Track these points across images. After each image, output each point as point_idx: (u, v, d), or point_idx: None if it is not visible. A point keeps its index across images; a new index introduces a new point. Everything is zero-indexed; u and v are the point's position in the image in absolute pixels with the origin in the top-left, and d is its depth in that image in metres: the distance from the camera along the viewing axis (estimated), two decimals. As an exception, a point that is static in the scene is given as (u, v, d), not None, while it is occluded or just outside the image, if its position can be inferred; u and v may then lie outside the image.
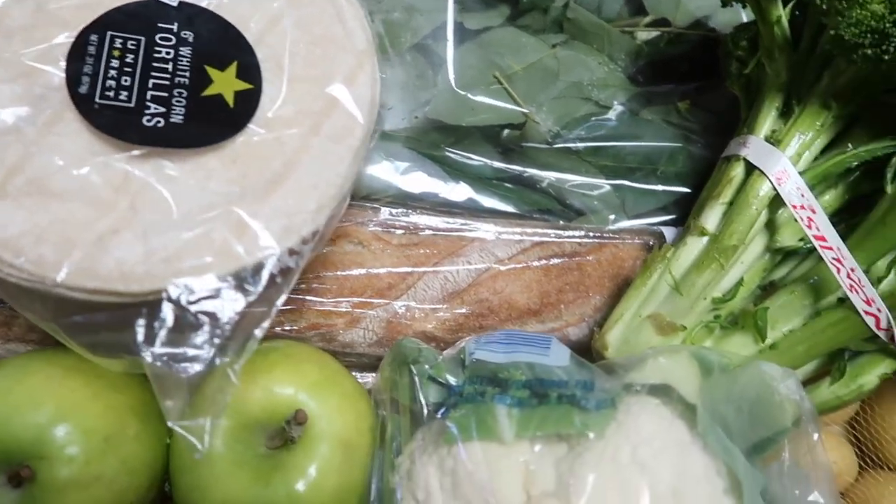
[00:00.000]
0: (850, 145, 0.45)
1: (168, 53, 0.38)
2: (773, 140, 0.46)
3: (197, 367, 0.34)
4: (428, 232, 0.51)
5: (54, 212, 0.34)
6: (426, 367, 0.40)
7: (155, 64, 0.38)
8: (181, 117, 0.37)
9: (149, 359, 0.33)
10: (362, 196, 0.52)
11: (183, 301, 0.33)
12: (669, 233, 0.53)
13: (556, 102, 0.55)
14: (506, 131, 0.55)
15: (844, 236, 0.45)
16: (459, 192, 0.53)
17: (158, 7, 0.39)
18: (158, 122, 0.36)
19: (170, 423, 0.33)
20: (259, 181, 0.37)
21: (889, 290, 0.44)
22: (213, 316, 0.33)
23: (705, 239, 0.47)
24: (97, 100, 0.36)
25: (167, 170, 0.36)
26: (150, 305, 0.33)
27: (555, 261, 0.51)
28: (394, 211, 0.51)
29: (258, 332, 0.34)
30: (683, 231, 0.49)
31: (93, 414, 0.39)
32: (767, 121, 0.47)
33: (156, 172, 0.36)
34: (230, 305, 0.34)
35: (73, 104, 0.36)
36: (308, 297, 0.47)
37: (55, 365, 0.40)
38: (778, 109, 0.47)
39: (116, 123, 0.36)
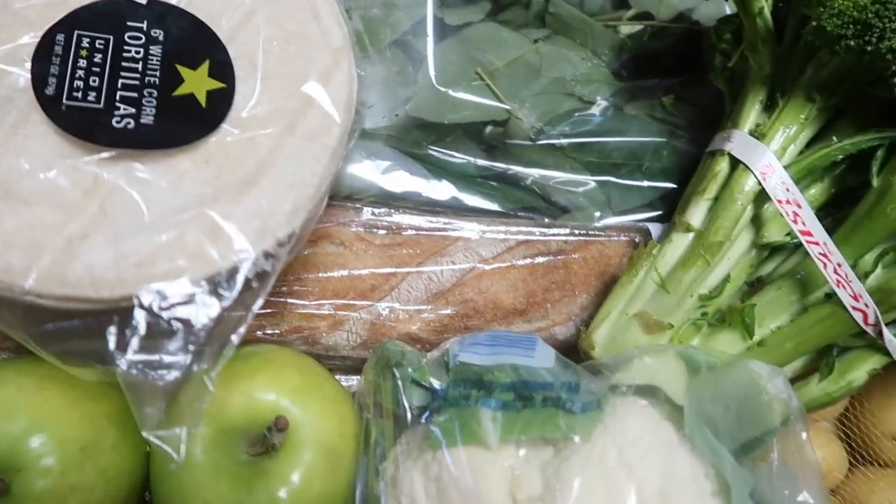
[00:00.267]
0: (834, 138, 0.44)
1: (138, 52, 0.37)
2: (758, 134, 0.45)
3: (171, 375, 0.33)
4: (411, 232, 0.50)
5: (22, 216, 0.33)
6: (409, 370, 0.39)
7: (124, 63, 0.37)
8: (152, 118, 0.36)
9: (122, 367, 0.32)
10: (344, 196, 0.51)
11: (155, 307, 0.32)
12: (655, 229, 0.53)
13: (540, 98, 0.54)
14: (489, 128, 0.54)
15: (831, 231, 0.44)
16: (442, 190, 0.52)
17: (127, 5, 0.38)
18: (128, 123, 0.35)
19: (144, 433, 0.32)
20: (233, 182, 0.36)
21: (876, 284, 0.43)
22: (187, 322, 0.32)
23: (691, 235, 0.46)
24: (64, 101, 0.35)
25: (138, 172, 0.35)
26: (121, 312, 0.33)
27: (540, 259, 0.51)
28: (376, 211, 0.50)
29: (234, 338, 0.34)
30: (669, 228, 0.48)
31: (69, 424, 0.38)
32: (751, 114, 0.46)
33: (126, 175, 0.35)
34: (204, 311, 0.33)
35: (40, 106, 0.35)
36: (290, 300, 0.46)
37: (28, 374, 0.39)
38: (762, 103, 0.47)
39: (85, 125, 0.35)
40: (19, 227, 0.33)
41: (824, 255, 0.43)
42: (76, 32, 0.37)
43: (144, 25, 0.38)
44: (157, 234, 0.34)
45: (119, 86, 0.36)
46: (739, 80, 0.50)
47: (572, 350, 0.49)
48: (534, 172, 0.54)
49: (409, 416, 0.39)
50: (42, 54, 0.36)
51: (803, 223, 0.43)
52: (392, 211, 0.51)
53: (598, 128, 0.55)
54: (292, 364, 0.43)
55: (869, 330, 0.42)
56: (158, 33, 0.38)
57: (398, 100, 0.52)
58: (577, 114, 0.54)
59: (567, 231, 0.52)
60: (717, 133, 0.49)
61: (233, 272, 0.34)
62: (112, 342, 0.32)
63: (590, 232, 0.52)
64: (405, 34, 0.53)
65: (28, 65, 0.35)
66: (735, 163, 0.45)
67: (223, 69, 0.38)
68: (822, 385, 0.45)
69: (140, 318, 0.32)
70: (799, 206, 0.43)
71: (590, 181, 0.54)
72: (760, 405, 0.37)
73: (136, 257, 0.33)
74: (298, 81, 0.39)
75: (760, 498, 0.35)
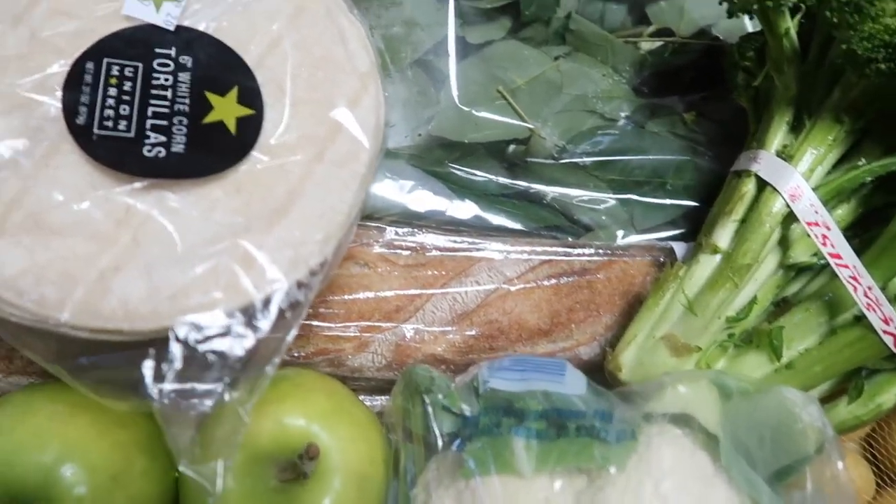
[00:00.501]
0: (863, 160, 0.44)
1: (167, 80, 0.37)
2: (785, 155, 0.45)
3: (206, 407, 0.32)
4: (435, 252, 0.50)
5: (54, 249, 0.33)
6: (439, 396, 0.39)
7: (153, 91, 0.36)
8: (182, 146, 0.36)
9: (157, 398, 0.32)
10: (366, 215, 0.51)
11: (191, 340, 0.32)
12: (679, 248, 0.52)
13: (561, 116, 0.54)
14: (511, 146, 0.54)
15: (859, 252, 0.44)
16: (465, 209, 0.52)
17: (155, 32, 0.38)
18: (159, 151, 0.35)
19: (181, 468, 0.32)
20: (264, 211, 0.36)
21: (906, 307, 0.43)
22: (222, 354, 0.32)
23: (718, 257, 0.46)
24: (95, 130, 0.35)
25: (170, 202, 0.35)
26: (157, 344, 0.32)
27: (564, 279, 0.51)
28: (399, 231, 0.50)
29: (269, 369, 0.33)
30: (695, 248, 0.48)
31: (99, 452, 0.38)
32: (778, 135, 0.46)
33: (158, 204, 0.35)
34: (239, 342, 0.32)
35: (71, 135, 0.34)
36: (315, 323, 0.46)
37: (59, 401, 0.38)
38: (788, 123, 0.46)
39: (116, 155, 0.35)
40: (52, 259, 0.33)
41: (854, 279, 0.42)
42: (105, 60, 0.36)
43: (173, 52, 0.38)
44: (190, 266, 0.33)
45: (149, 114, 0.36)
46: (764, 99, 0.50)
47: (597, 370, 0.49)
48: (556, 190, 0.53)
49: (440, 442, 0.39)
50: (72, 83, 0.35)
51: (832, 246, 0.43)
52: (415, 231, 0.50)
53: (620, 145, 0.54)
54: (321, 388, 0.43)
55: (900, 353, 0.42)
56: (187, 60, 0.38)
57: (420, 119, 0.52)
58: (599, 132, 0.54)
59: (590, 250, 0.52)
60: (743, 152, 0.49)
61: (266, 303, 0.33)
62: (148, 375, 0.31)
63: (613, 251, 0.52)
64: (426, 53, 0.53)
65: (59, 94, 0.35)
66: (762, 184, 0.45)
67: (252, 95, 0.38)
68: (850, 408, 0.45)
69: (176, 350, 0.31)
70: (828, 229, 0.43)
71: (612, 199, 0.54)
72: (795, 433, 0.37)
73: (169, 289, 0.33)
74: (327, 107, 0.39)
75: (795, 527, 0.35)
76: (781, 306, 0.48)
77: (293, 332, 0.34)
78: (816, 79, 0.46)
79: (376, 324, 0.47)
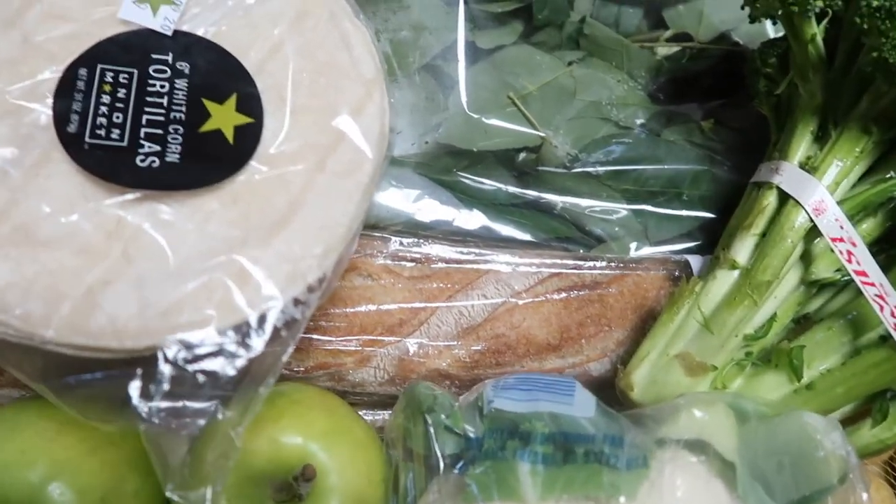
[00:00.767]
0: (892, 173, 0.42)
1: (163, 87, 0.36)
2: (809, 167, 0.43)
3: (195, 427, 0.31)
4: (441, 264, 0.48)
5: (42, 262, 0.32)
6: (442, 416, 0.38)
7: (149, 99, 0.35)
8: (177, 156, 0.34)
9: (144, 419, 0.30)
10: (371, 225, 0.49)
11: (180, 360, 0.30)
12: (695, 261, 0.50)
13: (574, 123, 0.52)
14: (521, 155, 0.52)
15: (886, 268, 0.42)
16: (473, 219, 0.50)
17: (152, 37, 0.37)
18: (153, 161, 0.34)
19: (168, 493, 0.30)
20: (262, 223, 0.34)
21: (935, 327, 0.41)
22: (213, 374, 0.31)
23: (736, 273, 0.44)
24: (87, 139, 0.33)
25: (163, 214, 0.33)
26: (145, 362, 0.31)
27: (574, 292, 0.49)
28: (405, 241, 0.49)
29: (262, 390, 0.32)
30: (712, 263, 0.46)
31: (89, 471, 0.36)
32: (802, 146, 0.44)
33: (150, 217, 0.33)
34: (232, 363, 0.31)
35: (62, 144, 0.33)
36: (315, 336, 0.45)
37: (48, 418, 0.37)
38: (813, 133, 0.44)
39: (108, 165, 0.33)
40: (39, 273, 0.31)
41: (881, 297, 0.40)
42: (99, 66, 0.35)
43: (170, 58, 0.37)
44: (182, 281, 0.32)
45: (143, 122, 0.35)
46: (786, 107, 0.47)
47: (608, 387, 0.47)
48: (568, 200, 0.52)
49: (441, 465, 0.37)
50: (64, 90, 0.34)
51: (858, 262, 0.41)
52: (421, 241, 0.49)
53: (635, 154, 0.52)
54: (319, 406, 0.41)
55: (928, 376, 0.40)
56: (184, 66, 0.37)
57: (428, 126, 0.51)
58: (613, 140, 0.52)
59: (602, 263, 0.50)
60: (763, 163, 0.47)
61: (261, 321, 0.32)
62: (135, 396, 0.30)
63: (626, 264, 0.50)
64: (435, 58, 0.51)
65: (49, 101, 0.34)
66: (784, 197, 0.43)
67: (251, 103, 0.37)
68: (874, 431, 0.43)
69: (164, 370, 0.30)
70: (854, 245, 0.41)
71: (626, 210, 0.52)
72: (816, 461, 0.35)
73: (160, 305, 0.31)
74: (329, 115, 0.38)
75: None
76: (802, 323, 0.46)
77: (289, 351, 0.33)
78: (843, 87, 0.44)
79: (379, 338, 0.45)
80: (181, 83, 0.36)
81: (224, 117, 0.36)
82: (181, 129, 0.35)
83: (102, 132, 0.34)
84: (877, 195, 0.42)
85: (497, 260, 0.49)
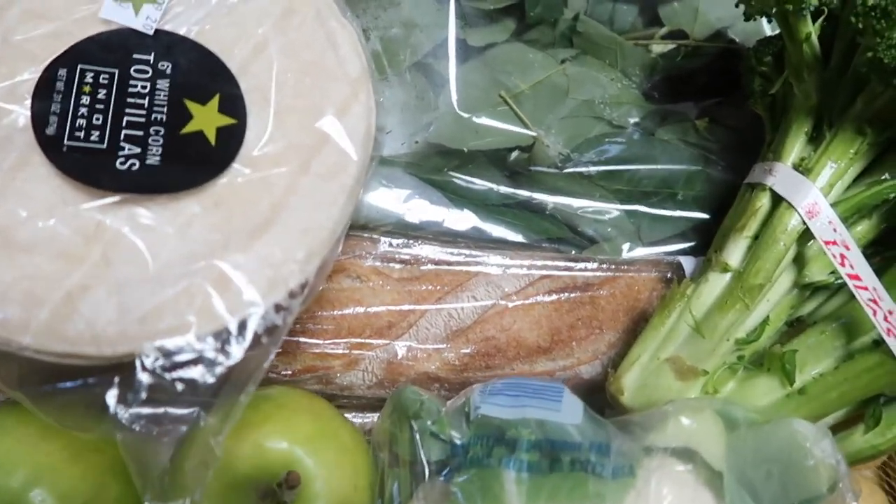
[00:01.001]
0: (886, 175, 0.41)
1: (144, 87, 0.35)
2: (803, 169, 0.42)
3: (174, 435, 0.31)
4: (430, 265, 0.47)
5: (20, 266, 0.31)
6: (428, 422, 0.37)
7: (129, 99, 0.35)
8: (158, 158, 0.34)
9: (123, 427, 0.30)
10: (360, 225, 0.49)
11: (158, 367, 0.30)
12: (688, 263, 0.50)
13: (566, 122, 0.52)
14: (513, 154, 0.51)
15: (880, 271, 0.41)
16: (464, 220, 0.50)
17: (133, 36, 0.36)
18: (133, 164, 0.33)
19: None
20: (244, 227, 0.34)
21: (929, 332, 0.40)
22: (191, 382, 0.30)
23: (728, 276, 0.43)
24: (66, 142, 0.33)
25: (143, 218, 0.33)
26: (123, 370, 0.31)
27: (566, 294, 0.48)
28: (394, 242, 0.48)
29: (243, 398, 0.32)
30: (704, 265, 0.46)
31: (71, 477, 0.36)
32: (796, 147, 0.43)
33: (130, 221, 0.33)
34: (211, 370, 0.31)
35: (40, 147, 0.33)
36: (303, 339, 0.44)
37: (30, 424, 0.37)
38: (807, 134, 0.44)
39: (87, 168, 0.33)
40: (17, 278, 0.31)
41: (874, 301, 0.40)
42: (79, 66, 0.35)
43: (152, 58, 0.36)
44: (162, 287, 0.32)
45: (124, 124, 0.34)
46: (781, 107, 0.47)
47: (599, 389, 0.47)
48: (560, 200, 0.51)
49: (426, 471, 0.37)
50: (43, 91, 0.34)
51: (851, 266, 0.40)
52: (411, 242, 0.48)
53: (628, 154, 0.52)
54: (305, 410, 0.41)
55: (921, 382, 0.40)
56: (166, 66, 0.36)
57: (418, 125, 0.50)
58: (606, 139, 0.51)
59: (594, 265, 0.49)
60: (757, 164, 0.46)
61: (242, 327, 0.32)
62: (112, 403, 0.30)
63: (618, 265, 0.50)
64: (426, 56, 0.50)
65: (28, 102, 0.33)
66: (777, 199, 0.43)
67: (234, 104, 0.36)
68: (867, 437, 0.42)
69: (142, 378, 0.30)
70: (847, 248, 0.41)
71: (618, 210, 0.51)
72: (806, 469, 0.34)
73: (139, 311, 0.31)
74: (314, 116, 0.37)
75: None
76: (795, 326, 0.45)
77: (270, 358, 0.32)
78: (839, 87, 0.43)
79: (367, 341, 0.45)
80: (163, 83, 0.36)
81: (206, 118, 0.35)
82: (162, 131, 0.35)
83: (82, 134, 0.33)
84: (871, 197, 0.41)
85: (487, 261, 0.48)
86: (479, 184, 0.51)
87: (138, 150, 0.34)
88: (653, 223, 0.52)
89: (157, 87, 0.35)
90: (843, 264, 0.40)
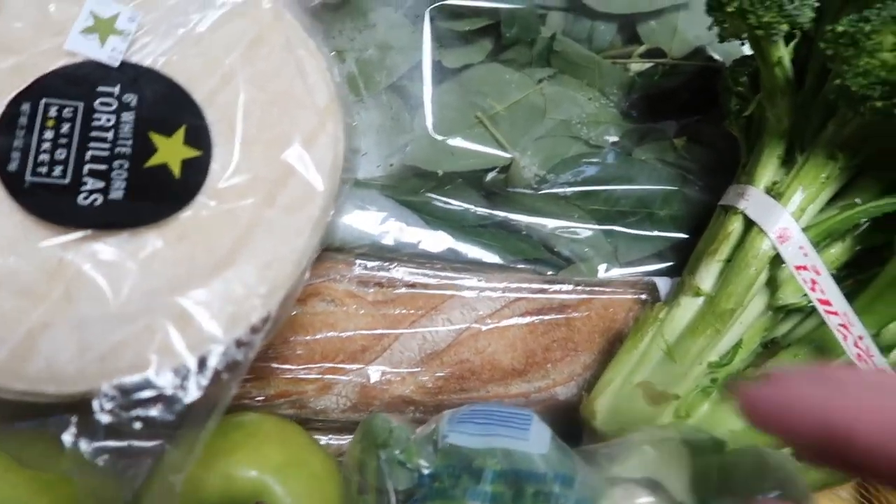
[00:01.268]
0: (858, 200, 0.41)
1: (108, 120, 0.35)
2: (775, 193, 0.42)
3: (132, 473, 0.31)
4: (404, 288, 0.47)
5: (-19, 304, 0.31)
6: (396, 451, 0.37)
7: (94, 133, 0.35)
8: (121, 192, 0.34)
9: (81, 465, 0.30)
10: (335, 248, 0.49)
11: (117, 405, 0.30)
12: (664, 283, 0.50)
13: (543, 143, 0.52)
14: (490, 175, 0.51)
15: (853, 294, 0.41)
16: (439, 241, 0.50)
17: (99, 68, 0.36)
18: (96, 199, 0.33)
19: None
20: (207, 262, 0.34)
21: (901, 358, 0.40)
22: (151, 420, 0.30)
23: (700, 300, 0.43)
24: (28, 177, 0.33)
25: (104, 254, 0.33)
26: (82, 407, 0.31)
27: (541, 316, 0.48)
28: (369, 264, 0.48)
29: (203, 434, 0.32)
30: (677, 289, 0.45)
31: (38, 508, 0.36)
32: (768, 170, 0.43)
33: (92, 257, 0.33)
34: (170, 408, 0.31)
35: (2, 183, 0.33)
36: (275, 365, 0.44)
37: (-3, 454, 0.37)
38: (779, 158, 0.43)
39: (49, 204, 0.33)
40: (-22, 316, 0.31)
41: (844, 327, 0.40)
42: (43, 101, 0.35)
43: (117, 90, 0.36)
44: (123, 324, 0.32)
45: (87, 158, 0.34)
46: (756, 128, 0.47)
47: (575, 410, 0.47)
48: (536, 221, 0.51)
49: (393, 500, 0.37)
50: (5, 126, 0.34)
51: (822, 291, 0.40)
52: (386, 265, 0.48)
53: (605, 174, 0.52)
54: (276, 437, 0.41)
55: (892, 408, 0.39)
56: (131, 98, 0.36)
57: (394, 146, 0.50)
58: (583, 160, 0.51)
59: (569, 286, 0.49)
60: (732, 185, 0.46)
61: (202, 364, 0.32)
62: (69, 441, 0.30)
63: (594, 286, 0.50)
64: (401, 78, 0.50)
65: (-9, 138, 0.33)
66: (749, 223, 0.42)
67: (200, 135, 0.36)
68: (840, 462, 0.42)
69: (101, 417, 0.30)
70: (818, 273, 0.40)
71: (595, 230, 0.51)
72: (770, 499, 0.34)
73: (100, 349, 0.31)
74: (281, 147, 0.37)
75: None
76: (770, 348, 0.45)
77: (231, 394, 0.32)
78: (811, 111, 0.43)
79: (340, 365, 0.45)
80: (128, 116, 0.36)
81: (171, 151, 0.35)
82: (126, 165, 0.35)
83: (44, 170, 0.33)
84: (842, 222, 0.41)
85: (462, 284, 0.48)
86: (456, 205, 0.51)
87: (102, 184, 0.34)
88: (630, 243, 0.51)
89: (122, 120, 0.35)
90: (813, 289, 0.40)
